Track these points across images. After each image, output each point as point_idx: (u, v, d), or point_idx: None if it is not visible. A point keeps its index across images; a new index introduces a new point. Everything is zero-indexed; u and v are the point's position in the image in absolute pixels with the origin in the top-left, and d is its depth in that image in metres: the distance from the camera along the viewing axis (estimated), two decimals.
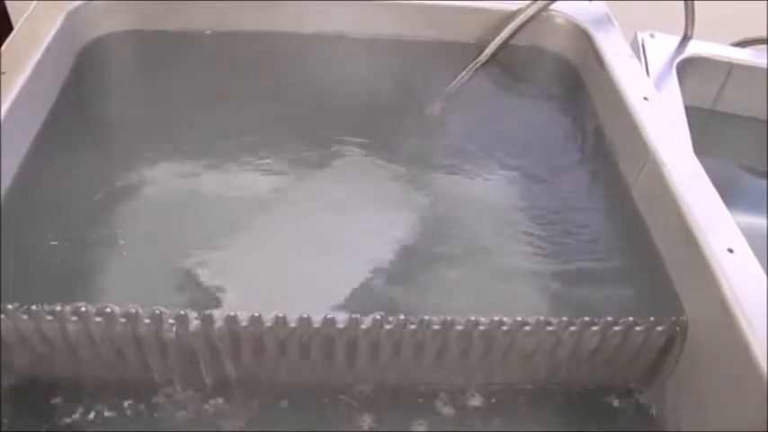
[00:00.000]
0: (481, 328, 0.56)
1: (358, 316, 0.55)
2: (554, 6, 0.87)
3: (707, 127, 1.00)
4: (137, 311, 0.54)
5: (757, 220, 0.85)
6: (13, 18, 1.26)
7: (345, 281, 0.58)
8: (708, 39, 1.00)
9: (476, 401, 0.60)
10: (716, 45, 1.00)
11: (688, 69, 0.97)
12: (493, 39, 0.87)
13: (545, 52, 0.90)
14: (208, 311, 0.54)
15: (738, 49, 1.02)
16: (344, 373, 0.59)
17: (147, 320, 0.54)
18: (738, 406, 0.52)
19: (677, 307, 0.58)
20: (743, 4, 1.32)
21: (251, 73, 0.83)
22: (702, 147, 0.70)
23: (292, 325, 0.55)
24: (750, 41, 1.03)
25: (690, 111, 0.86)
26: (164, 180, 0.67)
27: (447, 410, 0.60)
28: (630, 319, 0.57)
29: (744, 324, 0.51)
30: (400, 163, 0.72)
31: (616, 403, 0.61)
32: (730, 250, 0.56)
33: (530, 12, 0.86)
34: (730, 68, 0.99)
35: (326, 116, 0.78)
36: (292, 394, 0.59)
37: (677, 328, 0.57)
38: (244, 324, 0.55)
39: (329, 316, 0.55)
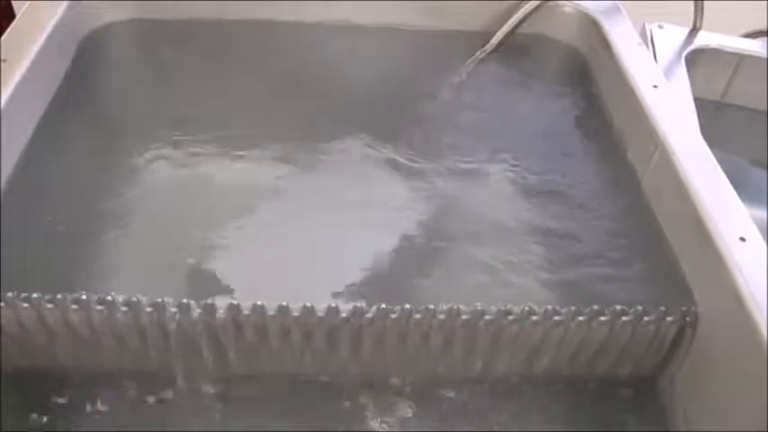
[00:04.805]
0: (488, 317, 0.55)
1: (362, 305, 0.54)
2: None
3: (715, 119, 0.99)
4: (138, 300, 0.53)
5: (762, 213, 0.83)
6: (15, 6, 1.25)
7: (350, 270, 0.58)
8: (716, 30, 0.99)
9: (482, 392, 0.59)
10: (725, 36, 0.99)
11: (697, 61, 0.95)
12: (500, 27, 0.86)
13: (553, 41, 0.89)
14: (210, 300, 0.53)
15: (748, 41, 1.00)
16: (348, 363, 0.58)
17: (149, 309, 0.53)
18: (749, 397, 0.51)
19: (688, 297, 0.57)
20: None
21: (253, 61, 0.83)
22: (711, 138, 0.68)
23: (295, 314, 0.54)
24: (760, 32, 1.02)
25: (698, 102, 0.85)
26: (165, 168, 0.67)
27: (454, 401, 0.59)
28: (640, 309, 0.56)
29: (756, 314, 0.50)
30: (405, 151, 0.71)
31: (624, 395, 0.60)
32: (742, 239, 0.55)
33: (537, 0, 0.85)
34: (739, 60, 0.98)
35: (331, 105, 0.77)
36: (295, 384, 0.59)
37: (688, 319, 0.56)
38: (246, 313, 0.54)
39: (333, 305, 0.54)
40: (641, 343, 0.58)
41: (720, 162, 0.64)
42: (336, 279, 0.57)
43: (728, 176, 0.62)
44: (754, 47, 0.99)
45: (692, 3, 0.96)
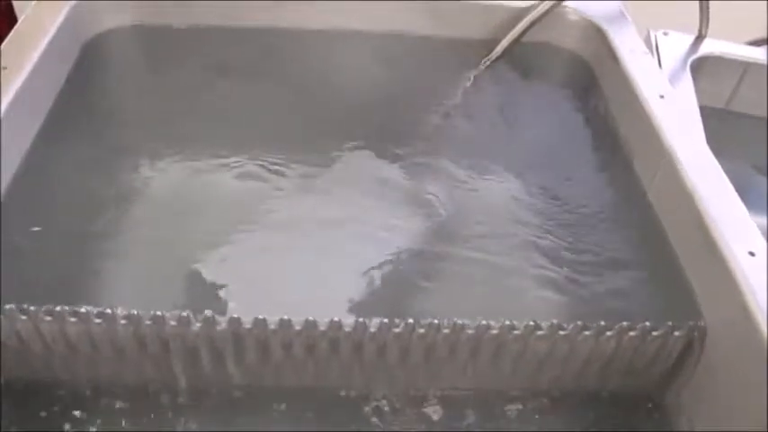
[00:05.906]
0: (492, 332, 0.54)
1: (365, 319, 0.53)
2: (567, 3, 0.86)
3: (720, 126, 0.99)
4: (138, 313, 0.52)
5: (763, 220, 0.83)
6: (18, 11, 1.25)
7: (352, 283, 0.57)
8: (721, 38, 0.99)
9: (486, 407, 0.59)
10: (730, 44, 0.99)
11: (702, 68, 0.95)
12: (505, 35, 0.85)
13: (558, 49, 0.88)
14: (210, 313, 0.53)
15: (754, 48, 1.00)
16: (350, 377, 0.57)
17: (148, 322, 0.52)
18: (756, 411, 0.50)
19: (695, 312, 0.57)
20: (758, 3, 1.30)
21: (256, 69, 0.82)
22: (715, 146, 0.68)
23: (297, 328, 0.53)
24: (764, 40, 1.01)
25: (704, 110, 0.84)
26: (167, 177, 0.66)
27: (456, 415, 0.58)
28: (647, 324, 0.55)
29: (765, 329, 0.50)
30: (410, 161, 0.70)
31: (631, 410, 0.60)
32: (751, 253, 0.54)
33: (542, 8, 0.84)
34: (745, 67, 0.97)
35: (334, 113, 0.76)
36: (297, 398, 0.58)
37: (695, 334, 0.56)
38: (248, 327, 0.53)
39: (335, 319, 0.53)
40: (648, 358, 0.57)
41: (726, 170, 0.63)
42: (339, 293, 0.56)
43: (735, 185, 0.62)
44: (760, 54, 0.98)
45: (694, 4, 0.95)
